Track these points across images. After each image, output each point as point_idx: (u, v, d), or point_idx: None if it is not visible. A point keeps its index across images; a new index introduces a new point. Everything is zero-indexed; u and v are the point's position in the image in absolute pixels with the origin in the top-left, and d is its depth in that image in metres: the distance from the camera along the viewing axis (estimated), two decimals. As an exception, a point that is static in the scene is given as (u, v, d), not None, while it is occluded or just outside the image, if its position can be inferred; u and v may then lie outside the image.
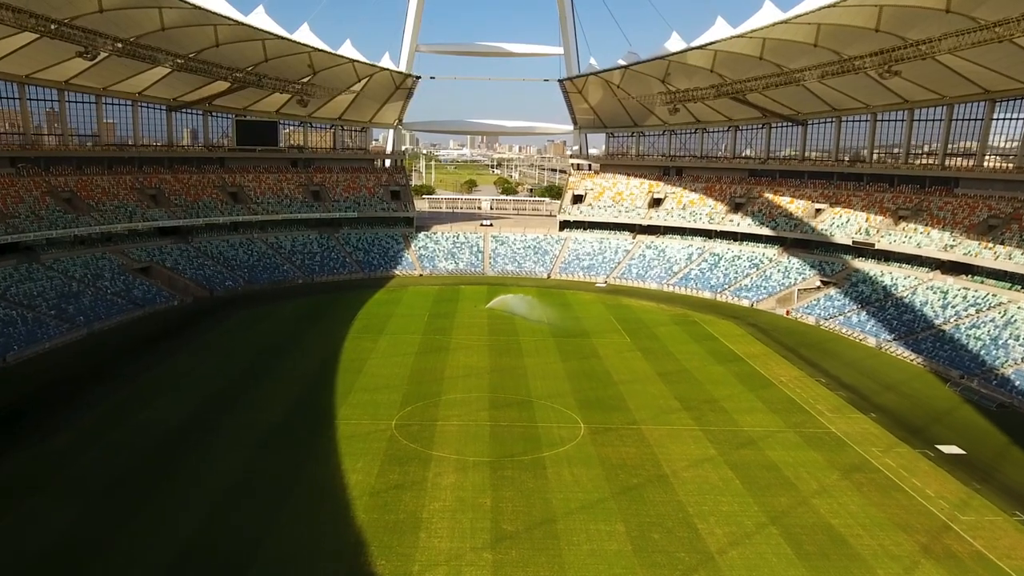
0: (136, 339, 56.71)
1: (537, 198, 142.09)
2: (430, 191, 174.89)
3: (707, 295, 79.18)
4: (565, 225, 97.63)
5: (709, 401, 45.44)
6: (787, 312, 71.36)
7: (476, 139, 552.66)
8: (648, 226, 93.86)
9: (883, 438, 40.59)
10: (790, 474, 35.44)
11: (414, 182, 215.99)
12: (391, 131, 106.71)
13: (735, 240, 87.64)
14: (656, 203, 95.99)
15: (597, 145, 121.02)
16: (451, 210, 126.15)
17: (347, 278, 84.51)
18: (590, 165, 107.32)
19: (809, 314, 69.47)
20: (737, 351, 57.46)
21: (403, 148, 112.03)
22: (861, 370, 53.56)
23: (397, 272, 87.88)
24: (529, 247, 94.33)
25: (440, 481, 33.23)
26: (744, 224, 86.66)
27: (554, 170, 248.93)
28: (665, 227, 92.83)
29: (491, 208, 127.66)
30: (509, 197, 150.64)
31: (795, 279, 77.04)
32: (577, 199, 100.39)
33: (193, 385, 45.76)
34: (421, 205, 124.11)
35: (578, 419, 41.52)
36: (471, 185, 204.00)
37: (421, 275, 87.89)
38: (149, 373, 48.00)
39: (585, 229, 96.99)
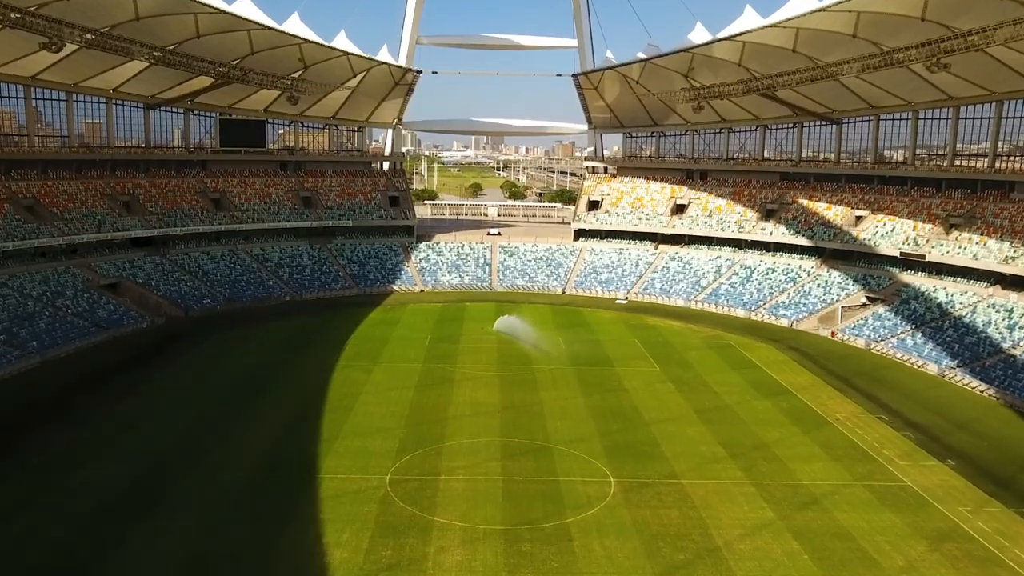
0: (94, 370, 51.58)
1: (548, 203, 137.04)
2: (432, 196, 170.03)
3: (740, 313, 73.90)
4: (580, 234, 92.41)
5: (759, 447, 40.16)
6: (832, 333, 66.01)
7: (481, 140, 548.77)
8: (671, 235, 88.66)
9: (968, 493, 35.31)
10: (867, 544, 30.17)
11: (415, 185, 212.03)
12: (390, 131, 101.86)
13: (768, 251, 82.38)
14: (679, 210, 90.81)
15: (613, 146, 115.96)
16: (455, 217, 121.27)
17: (340, 294, 79.46)
18: (606, 168, 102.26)
19: (857, 336, 64.13)
20: (782, 381, 52.19)
21: (403, 150, 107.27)
22: (926, 404, 48.28)
23: (395, 287, 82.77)
24: (541, 259, 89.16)
25: (443, 559, 28.07)
26: (777, 233, 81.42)
27: (564, 172, 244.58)
28: (690, 236, 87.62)
29: (498, 215, 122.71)
30: (517, 202, 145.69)
31: (838, 295, 71.71)
32: (593, 205, 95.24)
33: (152, 430, 40.64)
34: (422, 211, 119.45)
35: (607, 471, 36.32)
36: (476, 189, 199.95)
37: (422, 291, 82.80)
38: (101, 415, 42.70)
39: (602, 238, 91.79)
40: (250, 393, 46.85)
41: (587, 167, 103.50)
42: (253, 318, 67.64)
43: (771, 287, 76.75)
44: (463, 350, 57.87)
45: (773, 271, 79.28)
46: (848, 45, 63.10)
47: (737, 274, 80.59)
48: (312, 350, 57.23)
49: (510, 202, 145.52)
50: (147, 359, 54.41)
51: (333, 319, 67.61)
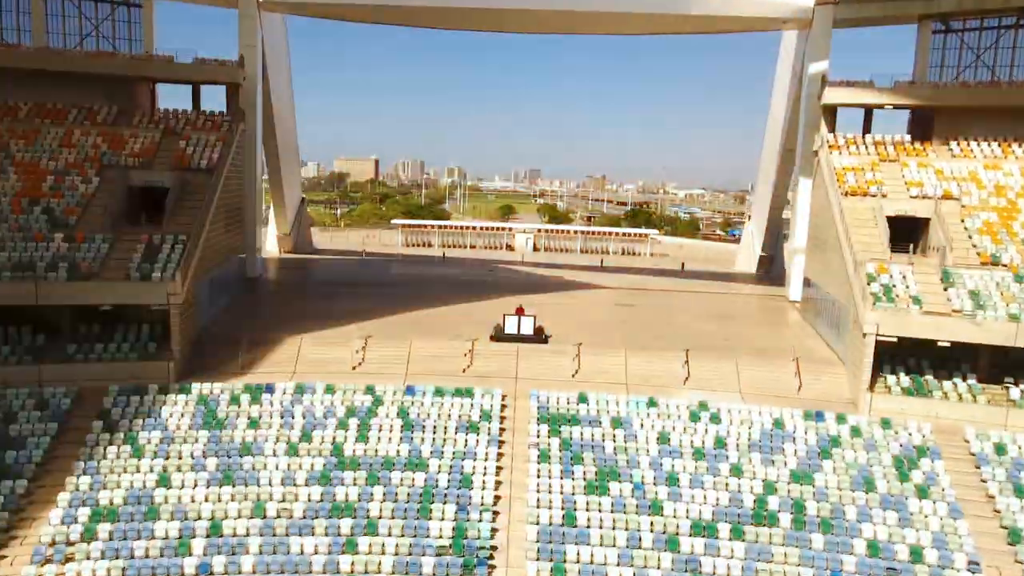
0: None
1: (633, 229, 69.88)
2: (441, 215, 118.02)
3: None
4: (886, 361, 23.27)
5: None
6: None
7: (519, 172, 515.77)
8: None
9: None
10: None
11: (442, 205, 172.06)
12: (237, 11, 36.74)
13: None
14: None
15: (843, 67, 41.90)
16: (448, 250, 57.47)
17: None
18: (867, 123, 34.65)
19: None
20: None
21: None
22: None
23: None
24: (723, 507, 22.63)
25: None
26: None
27: (611, 201, 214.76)
28: None
29: (532, 248, 59.70)
30: (569, 227, 78.20)
31: None
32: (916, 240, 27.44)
33: None
34: (388, 238, 62.98)
35: None
36: (507, 212, 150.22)
37: None
38: None
39: (957, 367, 24.11)
40: None
41: (822, 106, 34.03)
42: None
43: None
44: None
45: None
46: None
47: None
48: None
49: (552, 226, 78.90)
50: None
51: None
